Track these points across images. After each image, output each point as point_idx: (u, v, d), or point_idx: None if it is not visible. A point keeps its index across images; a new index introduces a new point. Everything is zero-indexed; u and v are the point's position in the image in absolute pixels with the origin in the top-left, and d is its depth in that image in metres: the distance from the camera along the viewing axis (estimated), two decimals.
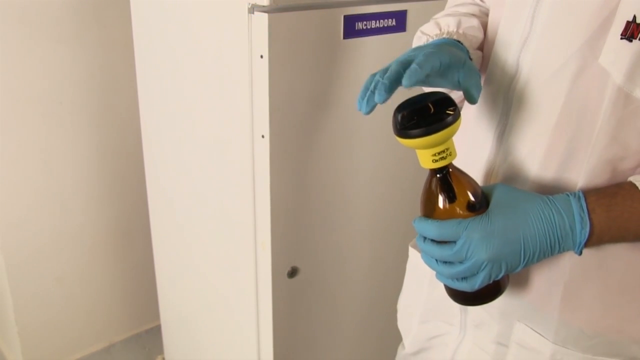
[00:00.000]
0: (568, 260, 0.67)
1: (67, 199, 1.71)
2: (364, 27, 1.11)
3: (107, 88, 1.70)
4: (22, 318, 1.71)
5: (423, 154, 0.63)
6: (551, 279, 0.69)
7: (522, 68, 0.67)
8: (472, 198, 0.65)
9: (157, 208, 1.53)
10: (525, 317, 0.74)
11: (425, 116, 0.60)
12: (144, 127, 1.46)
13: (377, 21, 1.12)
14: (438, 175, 0.65)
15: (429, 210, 0.67)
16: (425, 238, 0.66)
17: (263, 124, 1.04)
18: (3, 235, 1.61)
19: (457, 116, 0.61)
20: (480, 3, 0.84)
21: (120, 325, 1.96)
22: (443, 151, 0.62)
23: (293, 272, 1.18)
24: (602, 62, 0.59)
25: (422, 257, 0.68)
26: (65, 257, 1.75)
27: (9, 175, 1.58)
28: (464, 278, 0.64)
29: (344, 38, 1.08)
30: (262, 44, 0.98)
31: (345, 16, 1.07)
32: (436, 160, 0.63)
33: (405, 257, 0.95)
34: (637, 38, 0.56)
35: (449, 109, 0.61)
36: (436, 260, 0.65)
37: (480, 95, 0.73)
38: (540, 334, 0.72)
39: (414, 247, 0.92)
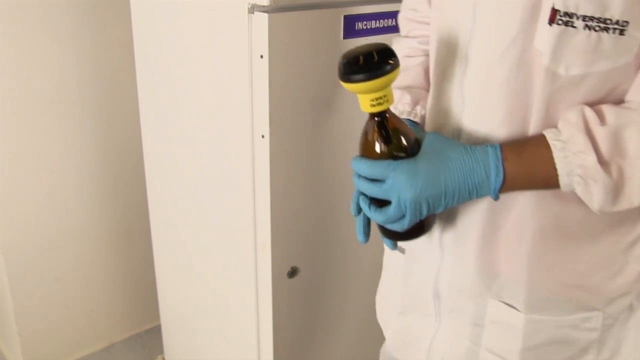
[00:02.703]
0: (528, 228, 0.73)
1: (67, 199, 1.71)
2: (364, 27, 1.11)
3: (108, 88, 1.70)
4: (22, 318, 1.71)
5: (363, 98, 0.69)
6: (517, 250, 0.75)
7: (470, 60, 0.72)
8: (404, 142, 0.71)
9: (157, 208, 1.53)
10: (498, 294, 0.79)
11: (367, 64, 0.65)
12: (144, 127, 1.46)
13: (377, 21, 1.12)
14: (376, 119, 0.70)
15: (365, 151, 0.73)
16: (359, 175, 0.72)
17: (263, 124, 1.04)
18: (3, 235, 1.61)
19: (395, 66, 0.66)
20: (418, 17, 0.90)
21: (120, 325, 1.96)
22: (381, 97, 0.68)
23: (293, 272, 1.18)
24: (537, 45, 0.65)
25: (360, 201, 0.74)
26: (66, 257, 1.75)
27: (9, 175, 1.58)
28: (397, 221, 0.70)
29: (344, 38, 1.08)
30: (262, 44, 0.98)
31: (345, 16, 1.07)
32: (374, 105, 0.68)
33: None
34: (555, 22, 0.62)
35: (390, 59, 0.66)
36: (369, 207, 0.72)
37: (438, 93, 0.80)
38: (512, 306, 0.78)
39: None
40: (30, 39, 1.52)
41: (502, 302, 0.79)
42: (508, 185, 0.67)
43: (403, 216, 0.69)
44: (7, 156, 1.56)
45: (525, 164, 0.66)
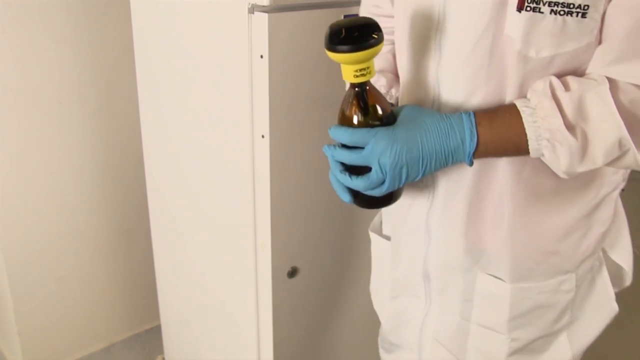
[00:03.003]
0: (509, 203, 0.78)
1: (68, 199, 1.71)
2: None
3: (107, 88, 1.70)
4: (22, 318, 1.71)
5: (347, 68, 0.72)
6: (500, 225, 0.80)
7: (444, 51, 0.76)
8: (381, 113, 0.74)
9: (157, 208, 1.53)
10: (485, 267, 0.85)
11: (353, 36, 0.69)
12: (144, 127, 1.46)
13: None
14: (356, 89, 0.74)
15: (345, 120, 0.76)
16: (335, 146, 0.75)
17: (263, 124, 1.04)
18: (3, 235, 1.61)
19: (380, 40, 0.70)
20: (381, 12, 0.93)
21: (120, 325, 1.96)
22: (364, 69, 0.71)
23: (293, 272, 1.18)
24: (507, 32, 0.70)
25: (337, 174, 0.76)
26: (66, 257, 1.75)
27: (9, 175, 1.58)
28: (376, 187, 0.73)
29: None
30: (262, 44, 0.98)
31: (345, 16, 1.07)
32: (357, 76, 0.72)
33: None
34: (524, 9, 0.68)
35: (374, 33, 0.70)
36: (350, 176, 0.74)
37: (413, 80, 0.83)
38: (500, 278, 0.84)
39: (374, 231, 1.04)
40: (30, 39, 1.52)
41: (489, 274, 0.84)
42: (482, 150, 0.71)
43: (383, 182, 0.72)
44: (7, 156, 1.56)
45: (498, 129, 0.70)
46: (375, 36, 0.70)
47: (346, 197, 0.79)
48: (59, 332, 1.81)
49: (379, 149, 0.70)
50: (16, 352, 1.77)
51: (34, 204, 1.64)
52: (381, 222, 1.04)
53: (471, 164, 0.72)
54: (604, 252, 0.90)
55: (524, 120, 0.69)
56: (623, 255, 0.90)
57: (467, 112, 0.72)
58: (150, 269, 1.65)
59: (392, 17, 0.90)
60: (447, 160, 0.72)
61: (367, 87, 0.74)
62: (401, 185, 0.74)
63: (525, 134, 0.69)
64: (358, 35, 0.69)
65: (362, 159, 0.72)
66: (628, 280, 0.93)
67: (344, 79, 0.74)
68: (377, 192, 0.74)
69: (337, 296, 1.33)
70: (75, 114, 1.66)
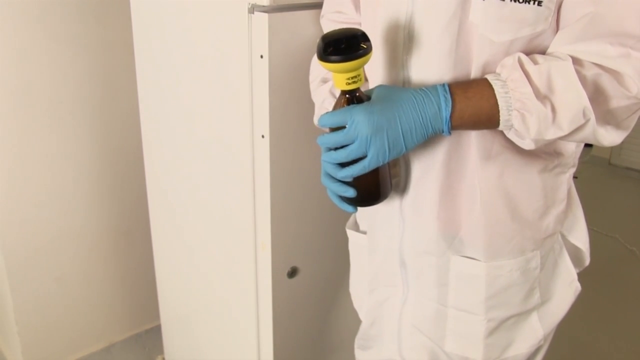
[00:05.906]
0: (480, 182, 0.83)
1: (67, 199, 1.71)
2: None
3: (108, 88, 1.70)
4: (22, 318, 1.71)
5: (339, 77, 0.76)
6: (473, 209, 0.85)
7: (414, 38, 0.81)
8: None
9: (157, 208, 1.53)
10: (459, 250, 0.89)
11: (344, 47, 0.73)
12: (144, 127, 1.46)
13: None
14: (347, 96, 0.78)
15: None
16: (324, 146, 0.79)
17: (263, 124, 1.04)
18: (3, 235, 1.61)
19: (369, 50, 0.74)
20: (344, 19, 0.96)
21: (120, 325, 1.96)
22: (355, 77, 0.75)
23: (293, 272, 1.18)
24: (472, 19, 0.75)
25: (324, 157, 0.80)
26: (65, 257, 1.75)
27: (10, 174, 1.58)
28: (360, 161, 0.76)
29: None
30: (262, 44, 0.98)
31: None
32: (349, 83, 0.76)
33: None
34: None
35: (364, 43, 0.74)
36: (334, 149, 0.77)
37: (384, 68, 0.87)
38: (474, 258, 0.88)
39: (350, 228, 1.07)
40: (31, 38, 1.52)
41: (464, 256, 0.89)
42: (457, 118, 0.75)
43: (364, 155, 0.75)
44: (7, 156, 1.56)
45: (471, 98, 0.74)
46: (365, 45, 0.74)
47: (349, 208, 0.85)
48: (59, 332, 1.81)
49: (358, 123, 0.74)
50: (16, 352, 1.77)
51: (33, 203, 1.65)
52: (356, 221, 1.07)
53: (449, 132, 0.76)
54: (563, 236, 0.96)
55: (496, 91, 0.73)
56: (580, 238, 0.97)
57: (441, 84, 0.76)
58: (150, 269, 1.65)
59: (355, 21, 0.94)
60: (426, 129, 0.75)
61: (357, 94, 0.77)
62: (386, 161, 0.76)
63: (497, 104, 0.73)
64: (349, 45, 0.73)
65: (345, 137, 0.75)
66: (587, 261, 1.00)
67: (336, 87, 0.78)
68: (361, 169, 0.76)
69: (337, 296, 1.33)
70: (75, 113, 1.66)
